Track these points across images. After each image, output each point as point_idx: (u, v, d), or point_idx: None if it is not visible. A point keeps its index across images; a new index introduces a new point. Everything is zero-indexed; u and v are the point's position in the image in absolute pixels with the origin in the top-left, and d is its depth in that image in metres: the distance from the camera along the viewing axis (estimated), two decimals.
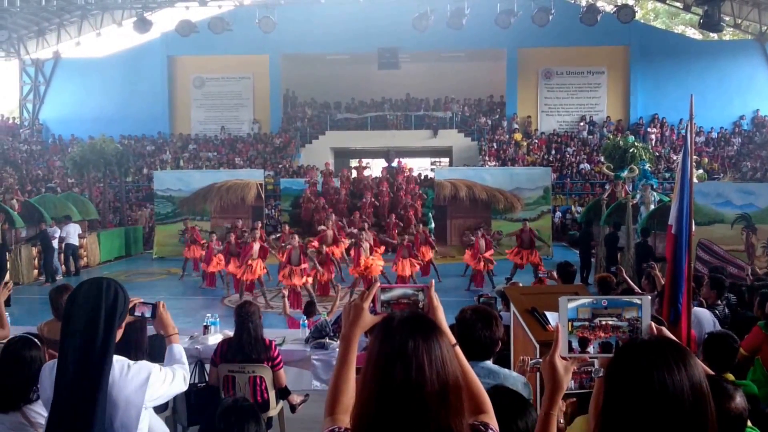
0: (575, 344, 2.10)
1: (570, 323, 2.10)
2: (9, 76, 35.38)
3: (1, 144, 31.14)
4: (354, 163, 25.93)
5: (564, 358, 2.08)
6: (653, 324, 2.12)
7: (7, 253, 15.46)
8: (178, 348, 3.17)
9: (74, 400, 2.54)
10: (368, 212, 20.34)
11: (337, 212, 20.47)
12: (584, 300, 2.12)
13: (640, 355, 1.72)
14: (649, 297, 2.22)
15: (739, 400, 2.51)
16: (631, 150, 20.08)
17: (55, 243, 16.64)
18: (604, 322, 2.10)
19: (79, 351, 2.60)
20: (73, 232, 17.29)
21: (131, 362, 2.77)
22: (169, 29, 27.89)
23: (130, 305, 2.87)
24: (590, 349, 2.10)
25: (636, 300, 2.13)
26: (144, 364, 2.79)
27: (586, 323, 2.10)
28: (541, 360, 3.74)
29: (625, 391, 1.69)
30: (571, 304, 2.11)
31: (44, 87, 33.48)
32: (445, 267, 17.05)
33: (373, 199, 21.01)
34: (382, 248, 14.96)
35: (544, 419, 2.05)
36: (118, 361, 2.72)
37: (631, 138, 22.59)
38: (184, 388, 3.04)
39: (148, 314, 3.04)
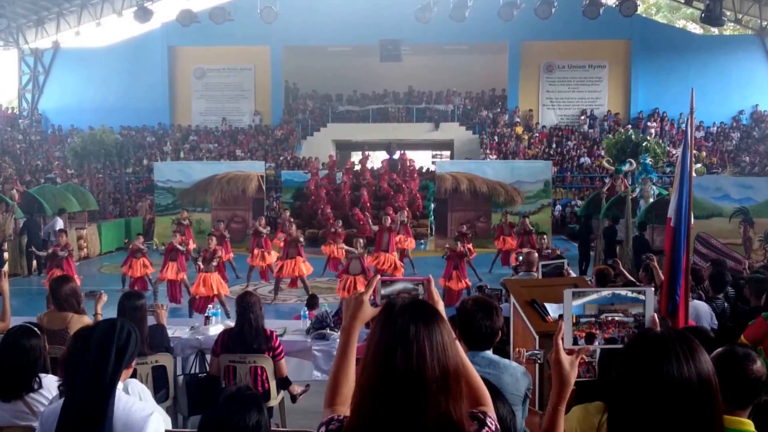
0: (581, 341, 2.12)
1: (577, 319, 2.12)
2: (8, 66, 35.32)
3: (1, 134, 31.10)
4: (355, 155, 25.95)
5: (568, 351, 2.10)
6: (656, 315, 2.14)
7: (5, 243, 15.47)
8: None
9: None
10: (367, 205, 20.33)
11: (339, 204, 20.50)
12: (591, 296, 2.14)
13: (650, 348, 1.75)
14: (652, 289, 2.24)
15: (759, 364, 2.56)
16: (644, 144, 20.15)
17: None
18: (610, 318, 2.11)
19: (87, 388, 2.60)
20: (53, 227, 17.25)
21: (135, 401, 2.81)
22: (170, 19, 27.83)
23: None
24: (596, 343, 2.12)
25: (641, 297, 2.15)
26: (148, 407, 2.79)
27: (593, 319, 2.12)
28: (536, 352, 3.79)
29: (634, 382, 1.72)
30: (577, 300, 2.12)
31: (43, 77, 33.37)
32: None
33: (368, 195, 20.93)
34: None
35: (552, 414, 2.07)
36: (121, 399, 2.72)
37: (632, 132, 22.60)
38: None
39: None
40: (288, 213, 16.75)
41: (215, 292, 10.73)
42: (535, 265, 7.82)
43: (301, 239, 13.30)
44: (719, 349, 2.67)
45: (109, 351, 2.66)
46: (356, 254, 11.35)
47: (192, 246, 16.92)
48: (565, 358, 2.07)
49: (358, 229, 19.12)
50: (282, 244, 13.49)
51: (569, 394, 2.09)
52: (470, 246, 13.79)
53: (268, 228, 15.20)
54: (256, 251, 14.08)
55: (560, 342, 2.09)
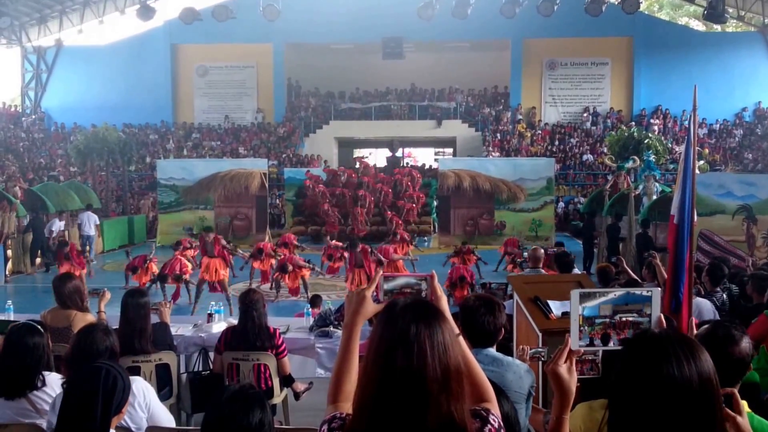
0: (597, 342, 2.11)
1: (591, 320, 2.11)
2: (11, 64, 35.45)
3: (4, 132, 31.13)
4: (357, 153, 25.93)
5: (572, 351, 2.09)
6: (662, 316, 2.13)
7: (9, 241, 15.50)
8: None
9: None
10: (369, 205, 20.33)
11: (339, 203, 20.49)
12: (599, 298, 2.13)
13: (649, 348, 1.74)
14: (659, 288, 2.23)
15: (744, 344, 2.57)
16: (645, 141, 20.11)
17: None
18: (624, 319, 2.11)
19: None
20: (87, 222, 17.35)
21: None
22: (173, 17, 27.85)
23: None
24: (611, 344, 2.12)
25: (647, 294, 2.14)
26: None
27: (608, 320, 2.11)
28: (540, 350, 3.78)
29: (634, 383, 1.72)
30: (589, 302, 2.11)
31: (46, 75, 33.38)
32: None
33: (369, 194, 20.86)
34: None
35: (556, 422, 2.06)
36: None
37: (635, 129, 22.59)
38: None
39: None
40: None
41: (218, 278, 11.28)
42: (542, 262, 7.79)
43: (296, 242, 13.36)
44: (701, 330, 2.72)
45: (94, 402, 2.60)
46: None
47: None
48: (562, 368, 2.05)
49: (354, 225, 19.19)
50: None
51: (571, 401, 2.07)
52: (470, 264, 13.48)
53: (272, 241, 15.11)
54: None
55: (560, 355, 2.07)
